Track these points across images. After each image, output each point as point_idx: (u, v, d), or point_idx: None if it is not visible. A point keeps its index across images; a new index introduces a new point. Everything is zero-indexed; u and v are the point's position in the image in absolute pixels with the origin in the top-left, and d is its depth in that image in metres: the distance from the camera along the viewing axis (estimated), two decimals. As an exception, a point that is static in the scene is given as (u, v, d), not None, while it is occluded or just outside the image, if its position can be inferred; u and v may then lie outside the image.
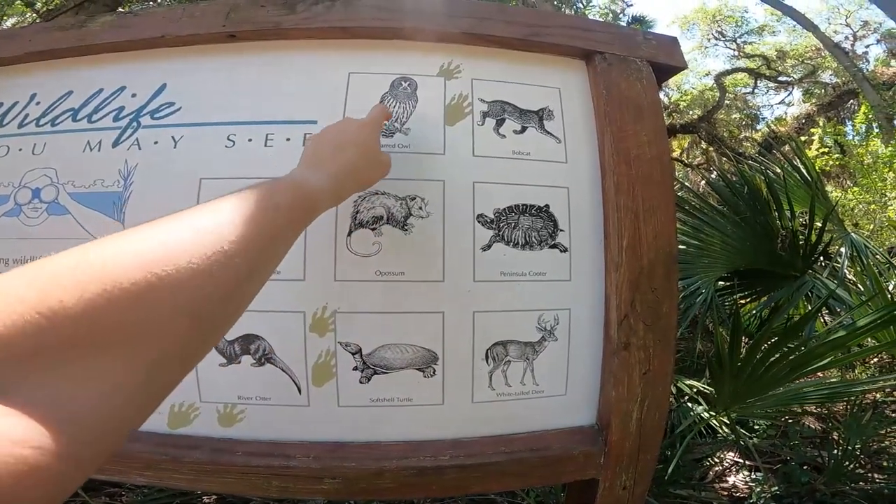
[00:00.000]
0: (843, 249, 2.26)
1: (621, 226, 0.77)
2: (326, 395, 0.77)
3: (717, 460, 2.05)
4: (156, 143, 0.80)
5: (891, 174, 5.02)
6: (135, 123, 0.81)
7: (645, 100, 0.84)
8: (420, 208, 0.77)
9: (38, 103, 0.85)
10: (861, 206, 4.81)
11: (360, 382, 0.76)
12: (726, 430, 1.87)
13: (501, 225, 0.78)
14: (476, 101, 0.83)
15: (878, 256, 2.49)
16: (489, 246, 0.78)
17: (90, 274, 0.30)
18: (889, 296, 1.72)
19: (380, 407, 0.77)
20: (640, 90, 0.84)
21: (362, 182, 0.66)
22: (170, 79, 0.83)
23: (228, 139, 0.79)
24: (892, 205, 4.68)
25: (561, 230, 0.80)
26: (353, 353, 0.76)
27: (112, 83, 0.84)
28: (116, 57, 0.85)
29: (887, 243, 4.00)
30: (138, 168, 0.79)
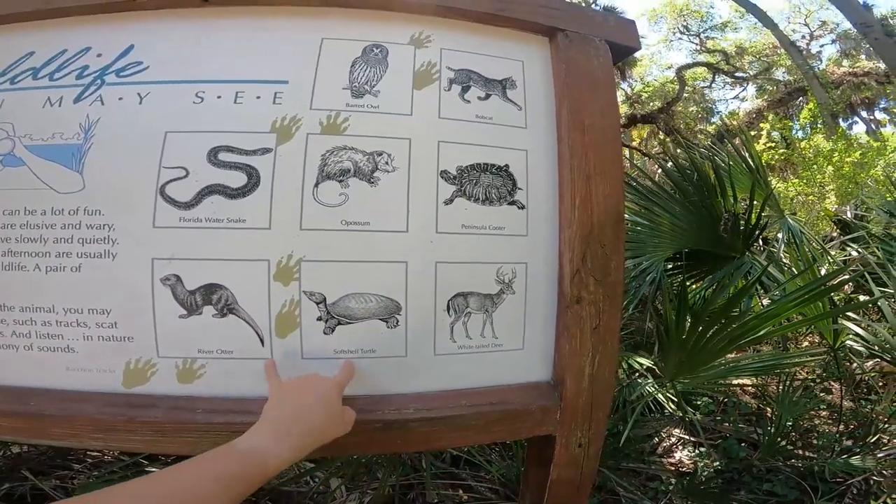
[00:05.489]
0: (780, 235, 2.43)
1: (574, 185, 0.83)
2: (290, 346, 0.78)
3: (664, 436, 2.18)
4: (120, 99, 0.80)
5: (830, 168, 5.36)
6: (98, 81, 0.81)
7: (601, 75, 0.90)
8: (386, 163, 0.80)
9: (-7, 64, 0.83)
10: (800, 198, 5.11)
11: (325, 333, 0.78)
12: (673, 405, 2.00)
13: (464, 181, 0.83)
14: (444, 68, 0.87)
15: (813, 244, 2.67)
16: (451, 200, 0.82)
17: None
18: (818, 274, 1.87)
19: (344, 359, 0.79)
20: (597, 66, 0.90)
21: (324, 438, 0.67)
22: (138, 40, 0.83)
23: (197, 96, 0.80)
24: (829, 196, 5.01)
25: (519, 189, 0.85)
26: (317, 303, 0.78)
27: (77, 44, 0.83)
28: (84, 20, 0.84)
29: (822, 233, 4.28)
30: (100, 122, 0.79)
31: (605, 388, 0.86)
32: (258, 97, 0.80)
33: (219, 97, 0.80)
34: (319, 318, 0.78)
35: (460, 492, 1.68)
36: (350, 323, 0.79)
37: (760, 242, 2.75)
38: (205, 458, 0.55)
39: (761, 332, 1.60)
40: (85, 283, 0.75)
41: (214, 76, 0.81)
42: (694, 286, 2.38)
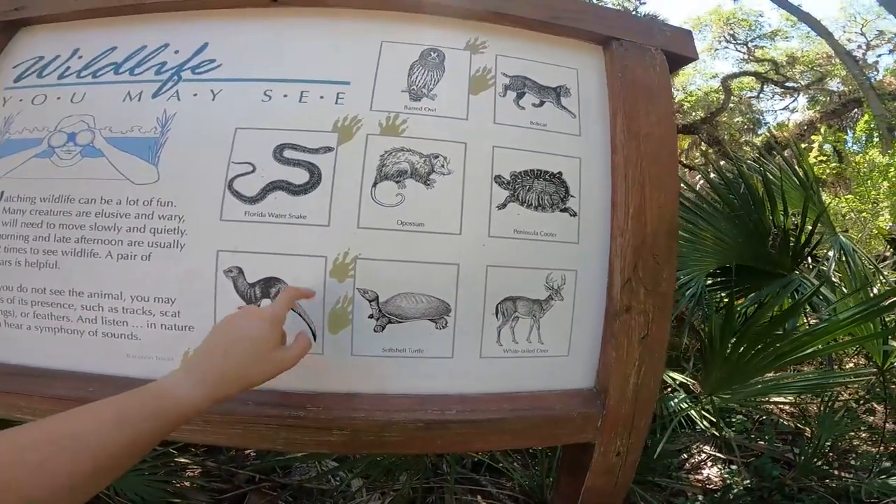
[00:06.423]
0: (830, 253, 2.34)
1: (629, 195, 0.83)
2: (341, 342, 0.80)
3: (693, 452, 2.14)
4: (195, 95, 0.84)
5: (885, 183, 5.11)
6: (176, 77, 0.86)
7: (658, 84, 0.90)
8: (442, 166, 0.82)
9: (80, 57, 0.89)
10: (852, 214, 4.89)
11: (375, 331, 0.80)
12: (706, 423, 1.95)
13: (517, 186, 0.84)
14: (499, 74, 0.88)
15: (864, 262, 2.56)
16: (504, 205, 0.84)
17: None
18: (871, 294, 1.80)
19: (392, 357, 0.80)
20: (654, 76, 0.91)
21: (250, 381, 0.62)
22: (212, 38, 0.88)
23: (265, 94, 0.84)
24: (883, 214, 4.77)
25: (572, 196, 0.86)
26: (370, 301, 0.80)
27: (156, 41, 0.89)
28: (162, 17, 0.90)
29: (874, 252, 4.09)
30: (176, 117, 0.83)
31: (649, 398, 0.86)
32: (322, 97, 0.84)
33: (285, 96, 0.84)
34: (371, 316, 0.80)
35: (479, 498, 1.66)
36: (400, 322, 0.81)
37: (809, 260, 2.66)
38: (110, 402, 0.52)
39: (809, 350, 1.56)
40: (153, 272, 0.79)
41: (281, 75, 0.85)
42: (736, 302, 2.32)
